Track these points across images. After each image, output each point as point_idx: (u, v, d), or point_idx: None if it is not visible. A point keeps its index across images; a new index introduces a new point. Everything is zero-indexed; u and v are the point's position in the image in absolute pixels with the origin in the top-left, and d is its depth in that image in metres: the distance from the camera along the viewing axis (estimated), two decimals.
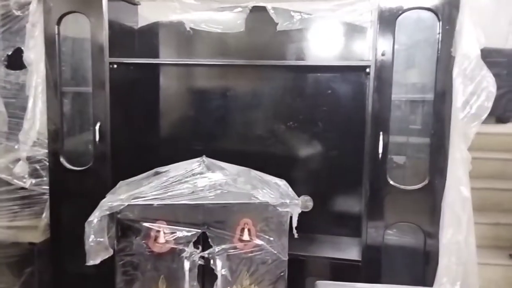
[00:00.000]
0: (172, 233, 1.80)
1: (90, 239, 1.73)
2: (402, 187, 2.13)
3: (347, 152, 2.45)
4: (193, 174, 1.88)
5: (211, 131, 2.58)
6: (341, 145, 2.47)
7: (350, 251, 2.31)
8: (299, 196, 2.37)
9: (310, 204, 2.44)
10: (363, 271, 2.20)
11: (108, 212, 1.77)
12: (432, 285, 2.10)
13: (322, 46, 2.43)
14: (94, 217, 1.75)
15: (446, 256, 2.08)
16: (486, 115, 2.06)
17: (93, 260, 1.77)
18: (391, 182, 2.13)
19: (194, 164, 1.93)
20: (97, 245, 1.75)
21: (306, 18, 2.30)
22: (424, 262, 2.16)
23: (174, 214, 1.81)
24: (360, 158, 2.26)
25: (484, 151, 3.80)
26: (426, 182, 2.11)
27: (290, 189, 2.03)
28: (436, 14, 2.04)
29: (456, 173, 2.08)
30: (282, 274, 1.90)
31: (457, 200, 2.07)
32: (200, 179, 1.87)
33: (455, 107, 2.05)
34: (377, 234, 2.17)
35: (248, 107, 2.57)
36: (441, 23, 2.04)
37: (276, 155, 2.53)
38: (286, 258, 1.90)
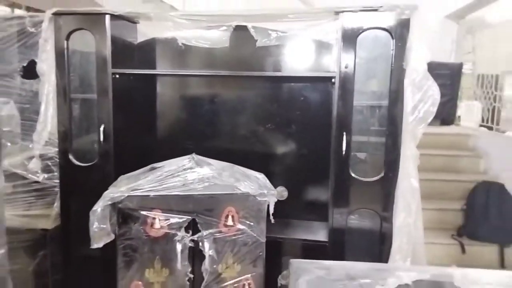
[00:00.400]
0: (166, 219, 1.78)
1: (94, 226, 1.70)
2: (362, 179, 2.14)
3: (316, 150, 2.45)
4: (184, 169, 1.86)
5: (201, 132, 2.56)
6: (311, 144, 2.47)
7: (319, 234, 2.32)
8: (276, 187, 2.37)
9: (285, 194, 2.45)
10: (330, 251, 2.20)
11: (110, 202, 1.74)
12: (387, 262, 2.11)
13: (296, 60, 2.43)
14: (98, 207, 1.72)
15: (398, 237, 2.10)
16: (431, 118, 2.08)
17: (97, 244, 1.74)
18: (353, 175, 2.13)
19: (185, 161, 1.91)
20: (100, 231, 1.72)
21: (282, 36, 2.29)
22: (380, 242, 2.17)
23: (168, 204, 1.79)
24: (327, 155, 2.27)
25: (431, 148, 3.87)
26: (382, 174, 2.12)
27: (268, 181, 2.03)
28: (390, 33, 2.05)
29: (407, 167, 2.09)
30: (260, 254, 1.89)
31: (407, 190, 2.09)
32: (190, 173, 1.85)
33: (405, 112, 2.06)
34: (341, 219, 2.17)
35: (233, 111, 2.55)
36: (394, 41, 2.05)
37: (256, 152, 2.53)
38: (264, 240, 1.90)
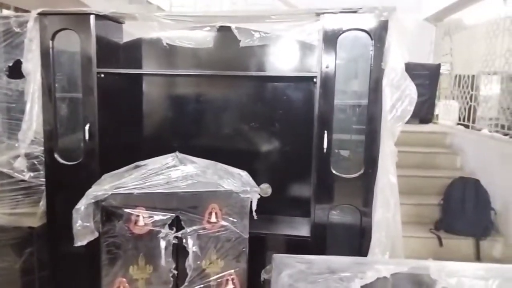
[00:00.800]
0: (150, 217, 1.74)
1: (78, 224, 1.66)
2: (343, 175, 2.13)
3: (299, 148, 2.43)
4: (168, 167, 1.82)
5: (186, 131, 2.53)
6: (294, 141, 2.46)
7: (302, 229, 2.30)
8: (260, 184, 2.36)
9: (269, 190, 2.43)
10: (312, 245, 2.20)
11: (93, 201, 1.69)
12: (366, 256, 2.11)
13: (279, 60, 2.41)
14: (81, 205, 1.67)
15: (377, 231, 2.09)
16: (409, 117, 2.08)
17: (81, 241, 1.70)
18: (334, 172, 2.12)
19: (168, 159, 1.88)
20: (83, 229, 1.68)
21: (265, 36, 2.27)
22: (360, 236, 2.16)
23: (152, 201, 1.75)
24: (309, 152, 2.25)
25: (410, 146, 3.90)
26: (362, 171, 2.12)
27: (251, 178, 2.00)
28: (369, 34, 2.04)
29: (385, 163, 2.09)
30: (244, 249, 1.86)
31: (386, 186, 2.08)
32: (174, 171, 1.81)
33: (384, 110, 2.06)
34: (323, 215, 2.16)
35: (218, 110, 2.52)
36: (373, 41, 2.04)
37: (241, 150, 2.50)
38: (247, 236, 1.87)
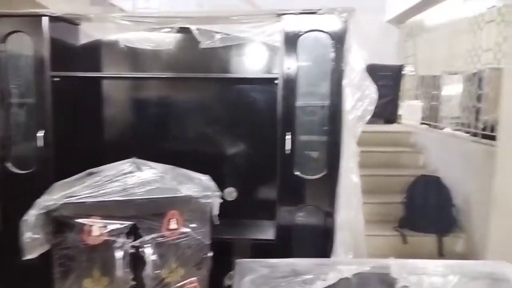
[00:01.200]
0: (105, 226, 1.65)
1: (26, 235, 1.55)
2: (307, 177, 2.10)
3: (264, 150, 2.38)
4: (124, 174, 1.74)
5: (148, 136, 2.43)
6: (259, 144, 2.41)
7: (268, 232, 2.26)
8: (225, 188, 2.30)
9: (234, 194, 2.38)
10: (277, 249, 2.15)
11: (43, 211, 1.59)
12: (331, 256, 2.09)
13: (241, 62, 2.37)
14: (29, 216, 1.57)
15: (341, 231, 2.08)
16: (369, 116, 2.08)
17: (30, 254, 1.59)
18: (298, 173, 2.09)
19: (125, 165, 1.79)
20: (33, 241, 1.57)
21: (226, 38, 2.21)
22: (325, 237, 2.13)
23: (107, 210, 1.66)
24: (274, 155, 2.20)
25: (375, 146, 3.93)
26: (325, 172, 2.10)
27: (212, 183, 1.94)
28: (330, 35, 2.02)
29: (348, 164, 2.08)
30: (205, 256, 1.80)
31: (349, 186, 2.07)
32: (130, 177, 1.73)
33: (345, 111, 2.05)
34: (287, 217, 2.13)
35: (180, 113, 2.45)
36: (333, 42, 2.03)
37: (205, 154, 2.43)
38: (208, 242, 1.81)
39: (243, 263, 1.76)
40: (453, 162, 3.41)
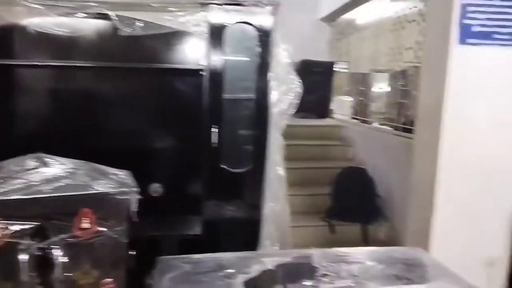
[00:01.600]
0: (5, 228, 1.48)
1: None
2: (233, 170, 2.07)
3: (191, 144, 2.30)
4: (28, 170, 1.58)
5: (64, 129, 2.24)
6: (186, 137, 2.32)
7: (195, 228, 2.20)
8: (151, 183, 2.20)
9: (160, 190, 2.28)
10: (204, 244, 2.10)
11: None
12: (258, 249, 2.08)
13: (166, 52, 2.26)
14: None
15: (267, 224, 2.09)
16: (295, 110, 2.10)
17: None
18: (224, 167, 2.06)
19: (29, 160, 1.63)
20: None
21: (148, 26, 2.10)
22: (252, 231, 2.13)
23: (7, 210, 1.49)
24: (201, 148, 2.15)
25: (307, 139, 4.02)
26: (251, 165, 2.08)
27: (130, 178, 1.83)
28: (256, 28, 2.00)
29: (273, 157, 2.09)
30: (122, 255, 1.70)
31: (274, 179, 2.09)
32: (35, 174, 1.58)
33: (271, 104, 2.05)
34: (214, 211, 2.09)
35: (100, 106, 2.28)
36: (259, 35, 2.01)
37: (129, 149, 2.29)
38: (126, 240, 1.71)
39: (164, 260, 1.70)
40: (377, 155, 3.58)
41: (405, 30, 3.61)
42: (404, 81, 3.65)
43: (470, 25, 2.05)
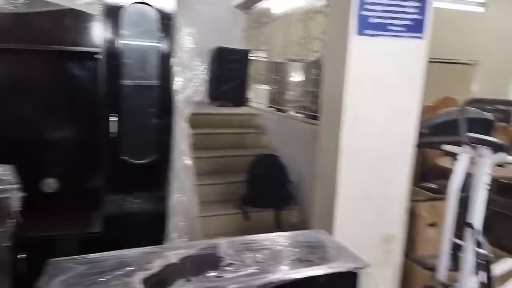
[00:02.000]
0: None
1: None
2: (136, 161, 1.96)
3: (88, 134, 2.13)
4: None
5: None
6: (83, 127, 2.16)
7: (95, 224, 2.04)
8: (43, 178, 2.00)
9: (54, 185, 2.08)
10: (106, 242, 1.96)
11: None
12: (165, 242, 2.00)
13: (59, 32, 2.05)
14: None
15: (174, 216, 2.01)
16: (200, 96, 2.03)
17: None
18: (125, 158, 1.93)
19: None
20: None
21: (34, 2, 1.87)
22: (158, 224, 2.04)
23: None
24: (99, 139, 1.99)
25: (224, 128, 3.98)
26: (156, 156, 1.98)
27: (12, 173, 1.63)
28: (158, 10, 1.88)
29: (179, 146, 2.01)
30: (5, 260, 1.51)
31: (181, 169, 2.01)
32: None
33: (175, 91, 1.96)
34: (116, 206, 1.96)
35: None
36: (161, 18, 1.89)
37: (18, 140, 2.06)
38: (9, 243, 1.52)
39: (54, 262, 1.55)
40: (290, 142, 3.67)
41: (313, 20, 3.72)
42: (317, 70, 3.76)
43: (367, 17, 2.14)
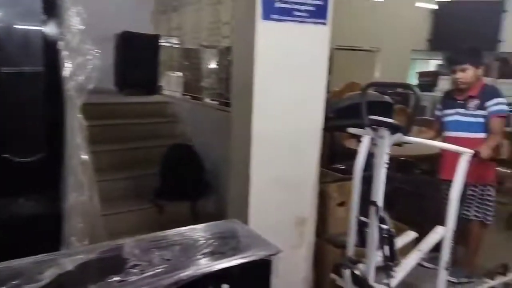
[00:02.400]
0: None
1: None
2: (20, 159, 1.70)
3: None
4: None
5: None
6: None
7: None
8: None
9: None
10: None
11: None
12: (62, 248, 1.79)
13: None
14: None
15: (72, 218, 1.81)
16: (93, 84, 1.83)
17: None
18: (7, 156, 1.67)
19: None
20: None
21: None
22: (52, 227, 1.82)
23: None
24: None
25: (134, 118, 3.75)
26: (46, 152, 1.75)
27: None
28: None
29: (74, 140, 1.79)
30: None
31: (77, 165, 1.80)
32: None
33: (65, 78, 1.74)
34: (2, 210, 1.69)
35: None
36: None
37: None
38: None
39: None
40: (205, 130, 3.58)
41: (223, 5, 3.62)
42: (230, 56, 3.67)
43: (273, 1, 2.11)
